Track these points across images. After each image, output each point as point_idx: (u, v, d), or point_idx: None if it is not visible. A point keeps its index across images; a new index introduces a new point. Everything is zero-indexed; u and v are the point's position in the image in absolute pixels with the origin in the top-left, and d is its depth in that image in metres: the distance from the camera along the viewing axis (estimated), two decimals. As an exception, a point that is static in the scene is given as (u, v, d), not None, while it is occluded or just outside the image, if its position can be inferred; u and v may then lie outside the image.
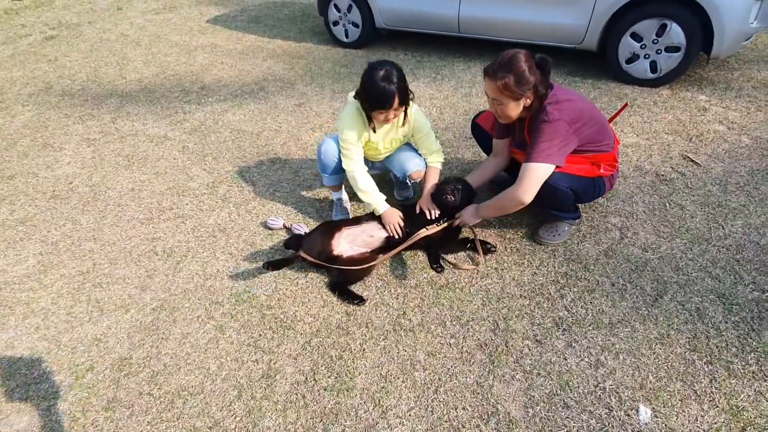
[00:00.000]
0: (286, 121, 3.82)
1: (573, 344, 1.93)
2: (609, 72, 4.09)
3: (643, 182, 2.84)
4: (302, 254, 2.21)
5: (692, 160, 2.99)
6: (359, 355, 1.94)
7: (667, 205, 2.64)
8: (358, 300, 2.14)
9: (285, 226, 2.62)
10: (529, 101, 2.00)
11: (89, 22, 6.75)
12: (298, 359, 1.94)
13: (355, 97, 2.26)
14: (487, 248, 2.38)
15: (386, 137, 2.44)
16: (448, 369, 1.87)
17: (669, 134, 3.29)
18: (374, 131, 2.37)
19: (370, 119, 2.29)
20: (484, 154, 2.89)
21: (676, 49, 3.67)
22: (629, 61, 3.90)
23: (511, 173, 2.71)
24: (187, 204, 2.91)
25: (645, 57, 3.82)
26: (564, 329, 1.99)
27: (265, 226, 2.66)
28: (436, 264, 2.21)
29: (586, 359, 1.87)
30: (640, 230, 2.48)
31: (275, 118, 3.87)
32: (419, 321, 2.07)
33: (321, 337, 2.02)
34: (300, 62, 4.97)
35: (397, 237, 2.35)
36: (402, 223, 2.38)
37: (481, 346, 1.94)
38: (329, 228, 2.34)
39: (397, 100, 2.13)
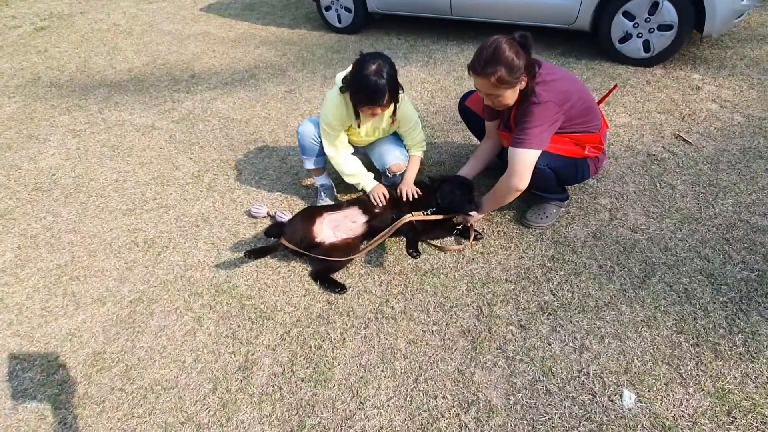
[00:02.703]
0: (275, 108, 3.75)
1: (558, 329, 1.88)
2: (602, 52, 3.99)
3: (634, 162, 2.77)
4: (284, 242, 2.16)
5: (684, 139, 2.92)
6: (339, 345, 1.90)
7: (658, 185, 2.58)
8: (340, 288, 2.10)
9: (269, 214, 2.57)
10: (524, 83, 1.93)
11: (81, 13, 6.65)
12: (277, 350, 1.90)
13: (343, 82, 2.19)
14: (475, 235, 2.33)
15: (370, 125, 2.38)
16: (429, 357, 1.83)
17: (661, 113, 3.21)
18: (359, 126, 2.31)
19: (357, 112, 2.24)
20: (474, 138, 2.83)
21: (669, 27, 3.57)
22: (622, 40, 3.80)
23: (501, 157, 2.65)
24: (171, 194, 2.87)
25: (638, 36, 3.72)
26: (549, 314, 1.95)
27: (249, 214, 2.62)
28: (412, 249, 2.14)
29: (571, 344, 1.82)
30: (630, 211, 2.42)
31: (264, 106, 3.81)
32: (402, 308, 2.03)
33: (301, 327, 1.99)
34: (292, 48, 4.88)
35: (381, 204, 2.32)
36: (387, 193, 2.36)
37: (464, 333, 1.90)
38: (310, 214, 2.30)
39: (387, 97, 2.07)
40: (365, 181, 2.40)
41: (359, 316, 2.01)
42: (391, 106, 2.24)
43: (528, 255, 2.23)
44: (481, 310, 1.99)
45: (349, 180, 2.41)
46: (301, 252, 2.15)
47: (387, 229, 2.21)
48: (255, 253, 2.14)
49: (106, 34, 5.72)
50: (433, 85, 3.87)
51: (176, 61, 4.79)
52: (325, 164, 2.59)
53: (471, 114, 2.54)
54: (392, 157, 2.49)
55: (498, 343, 1.85)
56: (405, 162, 2.51)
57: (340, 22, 5.12)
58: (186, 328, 2.03)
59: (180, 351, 1.94)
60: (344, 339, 1.92)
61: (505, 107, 2.07)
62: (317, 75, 4.25)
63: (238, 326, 2.02)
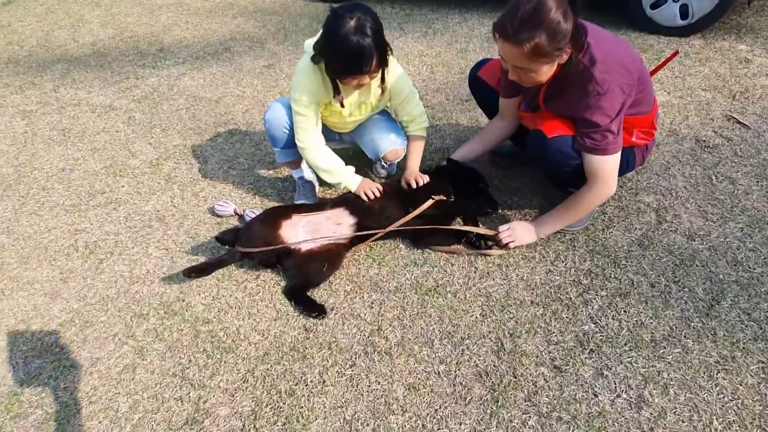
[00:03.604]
0: (251, 85, 3.25)
1: (605, 372, 1.44)
2: (630, 19, 3.46)
3: (680, 150, 2.29)
4: (240, 250, 1.71)
5: (739, 122, 2.44)
6: (317, 390, 1.45)
7: (714, 178, 2.11)
8: (318, 311, 1.65)
9: (236, 213, 2.10)
10: (566, 57, 1.45)
11: (50, -16, 6.07)
12: (237, 396, 1.45)
13: (315, 48, 1.70)
14: (487, 244, 1.87)
15: (355, 101, 1.90)
16: (436, 411, 1.38)
17: (707, 91, 2.72)
18: (342, 104, 1.83)
19: (336, 87, 1.76)
20: (484, 119, 2.35)
21: (713, -12, 3.06)
22: (654, 5, 3.27)
23: (517, 141, 2.18)
24: (123, 186, 2.39)
25: (674, 0, 3.20)
26: (591, 350, 1.50)
27: (213, 212, 2.15)
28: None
29: (625, 395, 1.38)
30: (682, 212, 1.95)
31: (239, 82, 3.31)
32: (398, 339, 1.58)
33: (269, 364, 1.53)
34: (273, 19, 4.35)
35: (374, 197, 1.90)
36: (380, 187, 1.92)
37: (481, 376, 1.45)
38: (273, 216, 1.83)
39: (375, 60, 1.59)
40: (346, 177, 1.93)
41: (344, 350, 1.56)
42: (379, 72, 1.75)
43: (557, 268, 1.77)
44: (502, 344, 1.54)
45: (325, 177, 1.94)
46: (264, 251, 1.70)
47: (416, 212, 1.82)
48: (197, 271, 1.68)
49: (72, 5, 5.16)
50: (432, 59, 3.36)
51: (144, 33, 4.26)
52: (299, 156, 2.11)
53: (484, 87, 2.03)
54: (387, 143, 2.01)
55: (526, 392, 1.40)
56: (403, 147, 2.04)
57: (325, -11, 4.58)
58: (124, 363, 1.58)
59: (114, 395, 1.49)
60: (324, 382, 1.47)
61: (535, 85, 1.59)
62: (300, 48, 3.68)
63: (190, 361, 1.56)
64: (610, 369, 1.44)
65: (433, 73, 3.17)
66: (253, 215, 2.00)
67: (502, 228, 1.81)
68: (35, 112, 3.14)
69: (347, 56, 1.57)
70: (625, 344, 1.51)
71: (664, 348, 1.49)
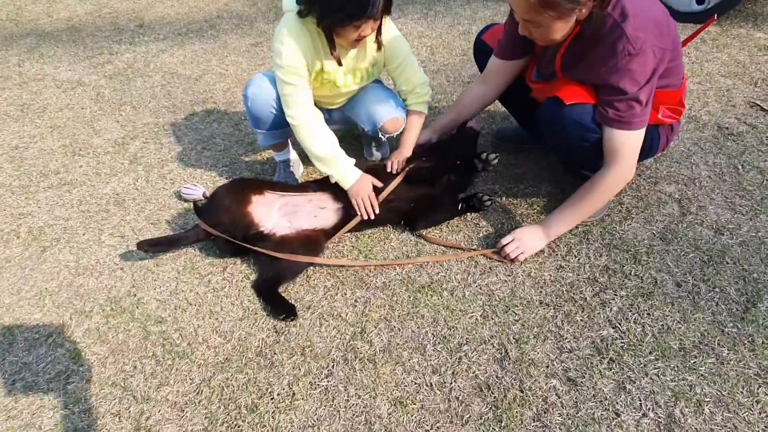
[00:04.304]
0: (235, 63, 3.00)
1: (627, 386, 1.21)
2: (642, 3, 3.25)
3: (701, 137, 2.07)
4: (203, 227, 1.47)
5: (763, 109, 2.22)
6: (285, 405, 1.21)
7: (740, 167, 1.89)
8: (287, 313, 1.40)
9: (205, 197, 1.85)
10: (585, 12, 1.22)
11: (28, -40, 5.76)
12: (187, 411, 1.21)
13: (299, 3, 1.45)
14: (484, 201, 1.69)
15: (350, 65, 1.65)
16: (427, 431, 1.15)
17: (726, 77, 2.50)
18: (339, 62, 1.57)
19: (332, 41, 1.49)
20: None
21: (732, -29, 2.85)
22: (670, -12, 3.07)
23: (523, 122, 1.95)
24: (81, 167, 2.13)
25: (690, -17, 2.99)
26: (611, 359, 1.27)
27: (179, 196, 1.90)
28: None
29: (652, 414, 1.15)
30: (708, 203, 1.73)
31: (222, 60, 3.05)
32: (384, 344, 1.34)
33: (229, 372, 1.29)
34: (264, -1, 4.09)
35: (366, 218, 1.60)
36: (373, 198, 1.62)
37: (481, 390, 1.22)
38: (241, 187, 1.59)
39: (382, 3, 1.36)
40: (342, 171, 1.62)
41: (320, 356, 1.32)
42: (378, 24, 1.50)
43: (569, 264, 1.54)
44: (506, 351, 1.30)
45: (320, 166, 1.64)
46: (227, 238, 1.46)
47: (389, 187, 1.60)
48: (152, 245, 1.44)
49: (51, -20, 4.86)
50: (433, 40, 3.12)
51: (125, 9, 3.98)
52: (287, 137, 1.86)
53: (487, 53, 1.79)
54: (387, 110, 1.74)
55: (535, 410, 1.17)
56: (404, 117, 1.79)
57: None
58: (56, 369, 1.33)
59: (38, 408, 1.24)
60: (294, 395, 1.23)
61: (549, 43, 1.36)
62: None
63: (135, 368, 1.32)
64: (634, 382, 1.22)
65: (433, 54, 2.93)
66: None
67: (504, 240, 1.56)
68: (-7, 87, 2.87)
69: None
70: (650, 353, 1.28)
71: (696, 357, 1.27)
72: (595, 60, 1.30)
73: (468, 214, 1.75)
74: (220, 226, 1.48)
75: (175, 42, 3.33)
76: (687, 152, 1.98)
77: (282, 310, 1.40)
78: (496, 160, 1.65)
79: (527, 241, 1.53)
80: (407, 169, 1.67)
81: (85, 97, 2.71)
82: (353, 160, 1.67)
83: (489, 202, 1.67)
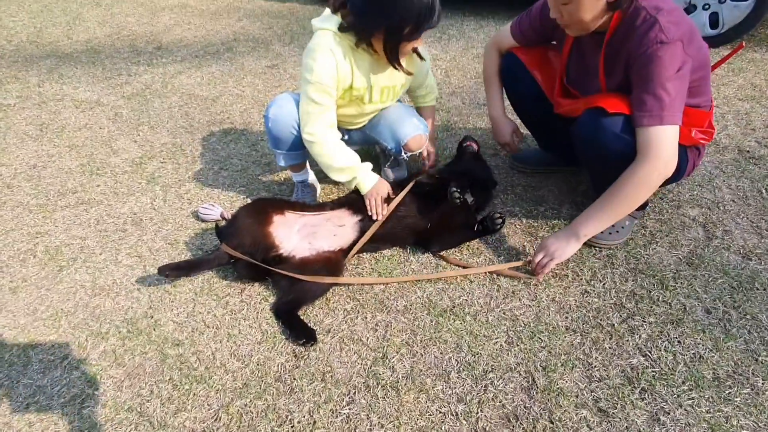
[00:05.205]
0: (251, 85, 3.03)
1: (661, 418, 1.16)
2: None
3: (723, 160, 2.05)
4: (225, 249, 1.45)
5: (784, 132, 2.21)
6: (306, 433, 1.17)
7: (764, 191, 1.86)
8: (307, 338, 1.37)
9: (223, 217, 1.84)
10: None
11: (49, -16, 5.93)
12: (205, 439, 1.18)
13: (342, 8, 1.48)
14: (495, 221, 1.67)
15: (378, 83, 1.65)
16: (454, 464, 1.10)
17: (744, 101, 2.49)
18: (399, 66, 1.54)
19: (396, 56, 1.48)
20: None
21: (746, -4, 2.87)
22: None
23: (545, 142, 1.94)
24: (98, 186, 2.13)
25: (704, 8, 3.01)
26: (642, 389, 1.22)
27: (196, 216, 1.89)
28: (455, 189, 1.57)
29: (690, 449, 1.10)
30: (734, 227, 1.70)
31: (239, 81, 3.09)
32: (407, 371, 1.30)
33: (248, 398, 1.25)
34: (280, 22, 4.17)
35: (376, 218, 1.60)
36: (391, 193, 1.67)
37: (509, 419, 1.18)
38: (262, 208, 1.58)
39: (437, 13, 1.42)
40: (363, 175, 1.64)
41: (341, 382, 1.28)
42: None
43: (595, 289, 1.51)
44: (533, 379, 1.26)
45: (337, 176, 1.66)
46: (250, 260, 1.44)
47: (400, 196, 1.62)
48: (174, 269, 1.43)
49: (72, 4, 4.99)
50: (447, 63, 3.15)
51: (143, 32, 4.07)
52: (306, 158, 1.86)
53: (518, 67, 1.74)
54: (410, 127, 1.75)
55: (567, 443, 1.13)
56: (427, 134, 1.81)
57: (338, -7, 4.41)
58: (71, 393, 1.30)
59: (54, 432, 1.21)
60: (314, 423, 1.19)
61: (581, 29, 1.36)
62: (307, 49, 3.53)
63: (151, 392, 1.28)
64: (668, 414, 1.17)
65: (448, 77, 2.96)
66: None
67: (535, 252, 1.53)
68: (13, 107, 2.91)
69: (417, 8, 1.36)
70: (683, 382, 1.23)
71: (731, 388, 1.22)
72: (631, 52, 1.30)
73: (488, 237, 1.72)
74: (241, 248, 1.46)
75: (192, 64, 3.38)
76: (709, 175, 1.96)
77: (302, 334, 1.37)
78: (501, 225, 1.63)
79: (556, 246, 1.47)
80: (416, 179, 1.70)
81: (104, 117, 2.73)
82: (371, 165, 1.69)
83: (500, 221, 1.64)
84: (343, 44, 1.50)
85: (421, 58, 1.65)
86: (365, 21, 1.43)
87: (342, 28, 1.48)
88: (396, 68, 1.53)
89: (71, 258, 1.75)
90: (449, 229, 1.66)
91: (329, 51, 1.49)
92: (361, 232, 1.60)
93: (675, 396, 1.20)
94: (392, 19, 1.38)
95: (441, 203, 1.64)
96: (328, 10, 1.55)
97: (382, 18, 1.39)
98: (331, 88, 1.53)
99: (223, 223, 1.84)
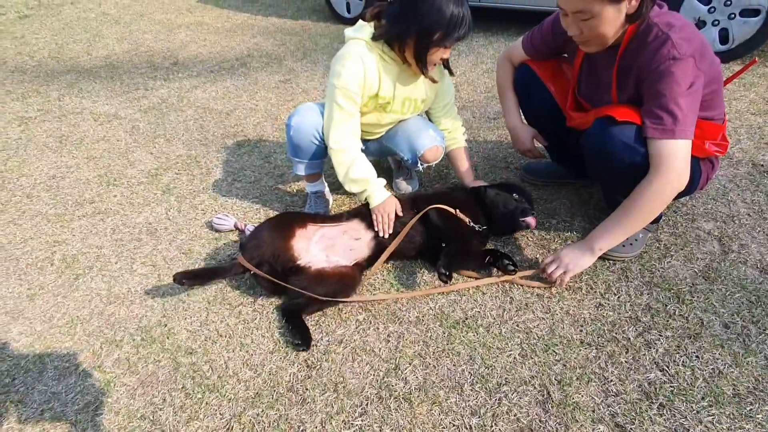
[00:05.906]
0: (265, 99, 3.08)
1: (680, 434, 1.14)
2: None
3: (737, 174, 2.03)
4: (241, 261, 1.45)
5: (799, 148, 2.19)
6: (318, 444, 1.17)
7: (781, 205, 1.84)
8: (301, 341, 1.39)
9: (236, 227, 1.86)
10: (635, 3, 1.25)
11: (71, 2, 6.11)
12: (217, 448, 1.17)
13: (375, 37, 1.55)
14: (507, 268, 1.57)
15: (401, 93, 1.68)
16: (468, 477, 1.09)
17: (757, 115, 2.48)
18: (434, 80, 1.64)
19: (424, 62, 1.53)
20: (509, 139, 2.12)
21: (755, 12, 2.88)
22: (694, 29, 3.10)
23: (557, 154, 1.94)
24: (115, 196, 2.17)
25: (714, 24, 3.02)
26: (661, 404, 1.20)
27: (211, 226, 1.91)
28: (444, 268, 1.44)
29: (711, 467, 1.07)
30: (750, 241, 1.68)
31: (253, 96, 3.14)
32: (420, 382, 1.29)
33: (260, 408, 1.25)
34: (293, 39, 4.26)
35: (382, 235, 1.60)
36: (399, 211, 1.65)
37: (524, 434, 1.16)
38: (287, 222, 1.58)
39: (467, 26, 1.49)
40: (374, 189, 1.65)
41: (353, 393, 1.27)
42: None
43: (609, 302, 1.49)
44: (548, 393, 1.24)
45: (352, 187, 1.66)
46: (263, 275, 1.44)
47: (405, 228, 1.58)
48: (189, 277, 1.43)
49: (92, 22, 5.14)
50: (458, 78, 3.18)
51: (160, 49, 4.17)
52: (322, 168, 1.88)
53: (532, 78, 1.75)
54: (427, 138, 1.75)
55: (583, 458, 1.11)
56: (443, 145, 1.81)
57: (349, 11, 4.51)
58: (85, 400, 1.30)
59: (68, 440, 1.22)
60: (327, 433, 1.19)
61: (600, 44, 1.37)
62: (318, 65, 3.59)
63: (164, 401, 1.28)
64: (688, 430, 1.14)
65: (459, 92, 2.98)
66: (255, 230, 1.76)
67: (546, 261, 1.51)
68: (34, 119, 2.98)
69: (448, 16, 1.42)
70: (703, 398, 1.21)
71: (752, 405, 1.19)
72: (643, 68, 1.31)
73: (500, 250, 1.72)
74: (262, 260, 1.46)
75: (207, 79, 3.45)
76: (723, 189, 1.94)
77: (299, 336, 1.39)
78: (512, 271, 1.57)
79: (571, 258, 1.45)
80: (428, 207, 1.63)
81: (121, 130, 2.79)
82: (384, 181, 1.70)
83: (512, 269, 1.56)
84: (373, 53, 1.56)
85: (450, 72, 1.69)
86: (398, 25, 1.48)
87: (374, 38, 1.53)
88: (423, 73, 1.57)
89: (87, 266, 1.77)
90: (461, 255, 1.62)
91: (359, 59, 1.53)
92: (377, 247, 1.60)
93: (695, 412, 1.18)
94: (424, 23, 1.44)
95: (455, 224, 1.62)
96: (360, 21, 1.59)
97: (415, 22, 1.45)
98: (356, 95, 1.56)
99: (237, 233, 1.86)
